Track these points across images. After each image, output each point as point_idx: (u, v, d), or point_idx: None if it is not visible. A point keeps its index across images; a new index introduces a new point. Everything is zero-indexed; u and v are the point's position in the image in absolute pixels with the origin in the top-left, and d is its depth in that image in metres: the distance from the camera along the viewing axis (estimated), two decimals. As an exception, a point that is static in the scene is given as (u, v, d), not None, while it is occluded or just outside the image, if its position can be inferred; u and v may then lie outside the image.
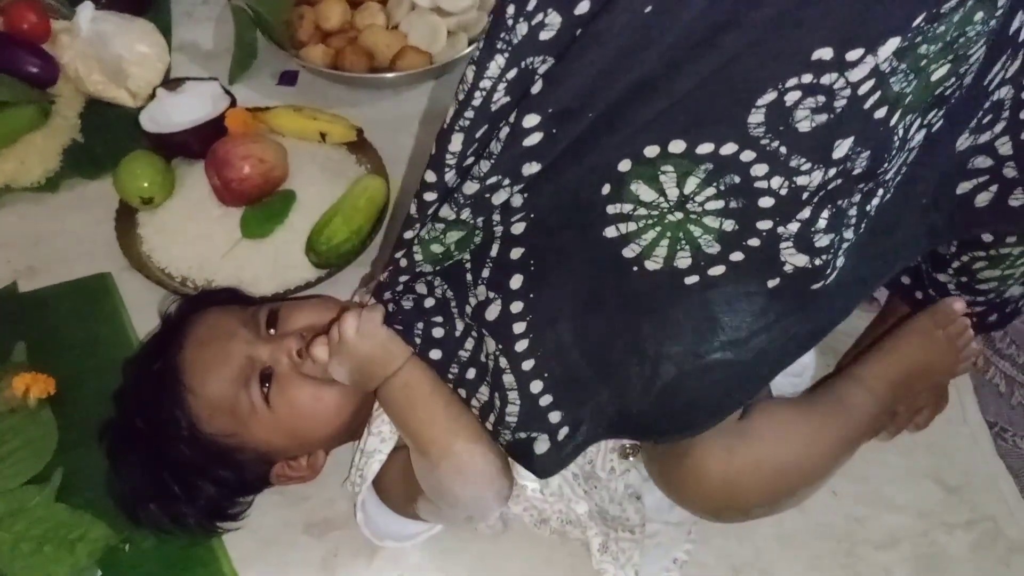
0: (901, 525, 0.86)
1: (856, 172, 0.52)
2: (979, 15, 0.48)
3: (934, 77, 0.50)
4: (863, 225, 0.57)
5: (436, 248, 0.62)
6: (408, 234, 0.62)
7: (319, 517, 0.87)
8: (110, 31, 1.23)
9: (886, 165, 0.53)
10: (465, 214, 0.57)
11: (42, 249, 1.11)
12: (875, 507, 0.87)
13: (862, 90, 0.48)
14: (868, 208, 0.56)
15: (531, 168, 0.54)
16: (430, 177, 0.57)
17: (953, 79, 0.51)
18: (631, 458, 0.81)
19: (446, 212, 0.58)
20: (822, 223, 0.54)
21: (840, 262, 0.58)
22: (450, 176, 0.56)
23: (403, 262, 0.64)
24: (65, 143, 1.19)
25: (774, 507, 0.76)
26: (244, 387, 0.76)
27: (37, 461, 0.90)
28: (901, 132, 0.52)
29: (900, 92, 0.49)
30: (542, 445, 0.67)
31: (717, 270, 0.57)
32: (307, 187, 1.09)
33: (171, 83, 1.20)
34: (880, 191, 0.56)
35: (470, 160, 0.55)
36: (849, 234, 0.56)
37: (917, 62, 0.48)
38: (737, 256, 0.57)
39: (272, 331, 0.79)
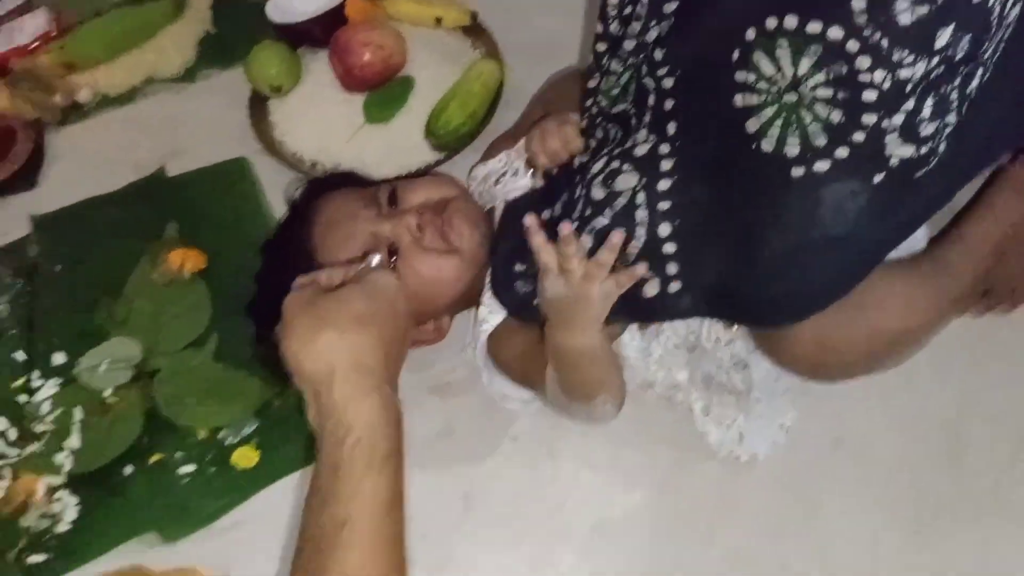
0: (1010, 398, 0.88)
1: (958, 57, 0.53)
2: None
3: None
4: (964, 107, 0.58)
5: (613, 93, 0.72)
6: (591, 83, 0.74)
7: (442, 381, 0.96)
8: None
9: (986, 45, 0.54)
10: (630, 60, 0.67)
11: (183, 135, 1.21)
12: (983, 388, 0.89)
13: None
14: (968, 91, 0.57)
15: (670, 6, 0.61)
16: (598, 28, 0.68)
17: None
18: (735, 327, 0.85)
19: (615, 64, 0.68)
20: (926, 111, 0.56)
21: (943, 147, 0.60)
22: (614, 26, 0.67)
23: (592, 108, 0.75)
24: (199, 35, 1.28)
25: (870, 368, 0.79)
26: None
27: (195, 327, 1.01)
28: (998, 8, 0.53)
29: None
30: (651, 289, 0.73)
31: (823, 165, 0.60)
32: (424, 72, 1.14)
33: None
34: (980, 71, 0.57)
35: (628, 9, 0.64)
36: (951, 118, 0.58)
37: None
38: (842, 152, 0.59)
39: (391, 207, 0.86)
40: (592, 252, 0.70)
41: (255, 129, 1.16)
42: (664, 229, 0.71)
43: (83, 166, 1.21)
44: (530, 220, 0.70)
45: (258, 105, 1.18)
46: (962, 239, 0.81)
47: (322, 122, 1.14)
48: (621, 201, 0.73)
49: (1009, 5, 0.54)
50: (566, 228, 0.67)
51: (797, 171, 0.61)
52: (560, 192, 0.80)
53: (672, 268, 0.72)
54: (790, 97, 0.59)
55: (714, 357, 0.88)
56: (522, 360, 0.83)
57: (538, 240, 0.70)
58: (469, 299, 0.89)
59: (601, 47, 0.68)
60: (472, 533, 0.87)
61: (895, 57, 0.53)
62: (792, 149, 0.60)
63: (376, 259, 0.76)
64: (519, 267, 0.80)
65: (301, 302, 0.68)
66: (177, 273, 1.05)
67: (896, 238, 0.68)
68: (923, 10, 0.51)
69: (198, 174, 1.16)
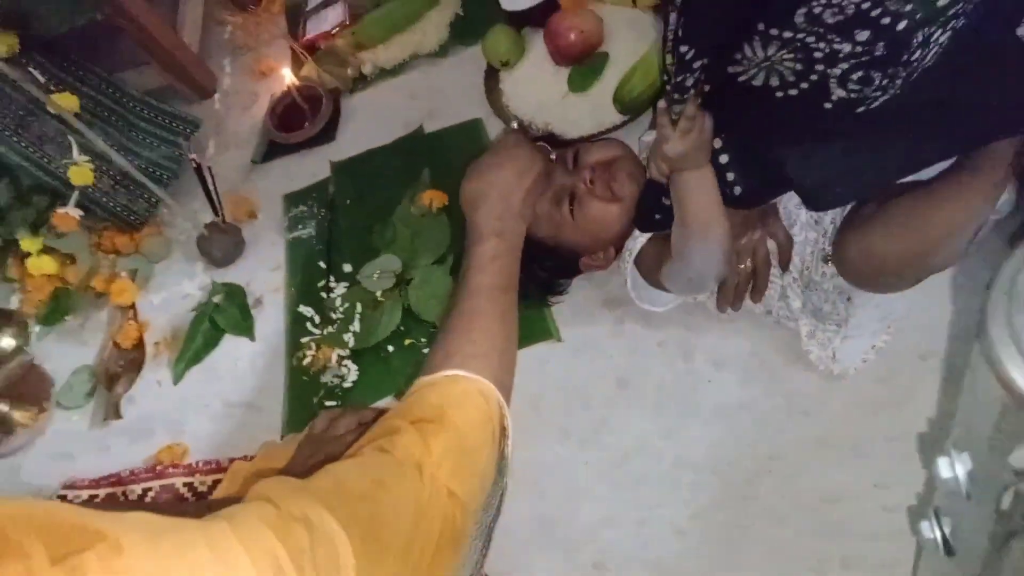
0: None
1: (878, 55, 0.74)
2: None
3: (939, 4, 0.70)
4: (902, 80, 0.79)
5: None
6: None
7: (613, 296, 1.24)
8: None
9: (907, 57, 0.74)
10: None
11: (437, 99, 1.56)
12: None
13: (864, 7, 0.71)
14: (898, 75, 0.77)
15: None
16: None
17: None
18: (829, 263, 1.06)
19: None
20: (854, 76, 0.78)
21: (881, 99, 0.81)
22: None
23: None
24: (451, 18, 1.61)
25: (915, 274, 0.96)
26: (557, 206, 1.13)
27: (438, 248, 1.37)
28: (919, 39, 0.72)
29: (902, 11, 0.70)
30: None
31: (793, 91, 0.83)
32: (618, 47, 1.40)
33: (522, -35, 1.54)
34: (904, 73, 0.77)
35: None
36: (878, 79, 0.78)
37: None
38: (804, 85, 0.81)
39: (574, 166, 1.15)
40: None
41: (488, 95, 1.48)
42: (717, 143, 0.95)
43: (367, 124, 1.60)
44: (660, 104, 0.94)
45: (491, 75, 1.50)
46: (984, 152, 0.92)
47: (538, 90, 1.44)
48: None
49: (934, 37, 0.74)
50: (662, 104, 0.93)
51: (779, 93, 0.84)
52: None
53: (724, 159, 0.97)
54: (765, 64, 0.82)
55: (822, 290, 1.10)
56: (658, 257, 1.08)
57: (662, 110, 0.94)
58: (625, 236, 1.16)
59: None
60: (623, 407, 1.16)
61: (828, 37, 0.75)
62: (774, 82, 0.83)
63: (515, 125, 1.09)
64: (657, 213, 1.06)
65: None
66: (428, 208, 1.41)
67: (895, 169, 0.89)
68: (840, 17, 0.72)
69: (445, 131, 1.51)
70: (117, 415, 1.41)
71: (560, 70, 1.43)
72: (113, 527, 0.52)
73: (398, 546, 0.70)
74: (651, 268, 1.11)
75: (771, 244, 1.07)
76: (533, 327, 1.24)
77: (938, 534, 0.60)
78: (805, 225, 1.07)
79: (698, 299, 1.16)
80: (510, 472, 0.89)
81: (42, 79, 1.47)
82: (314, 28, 1.69)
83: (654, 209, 1.06)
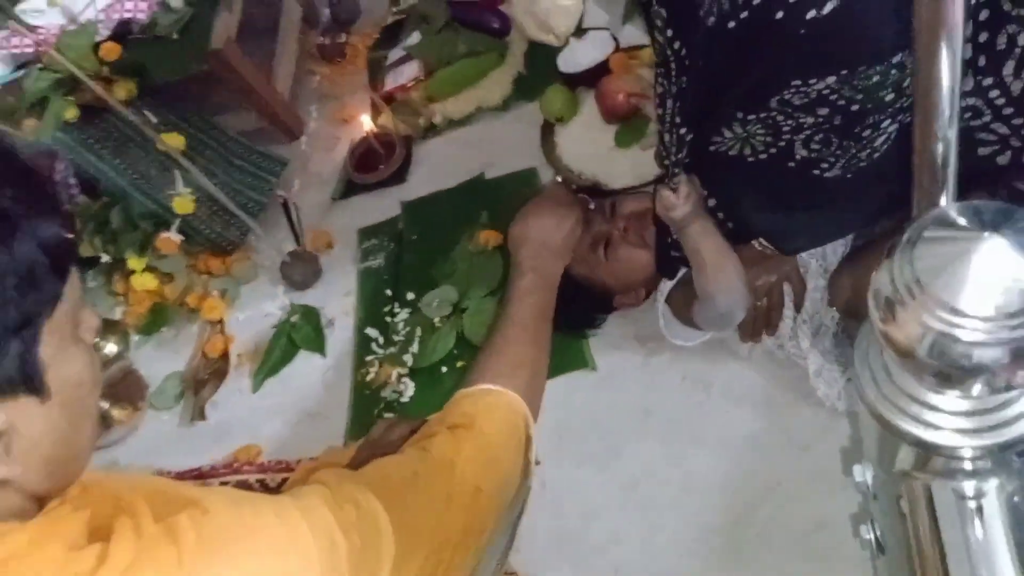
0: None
1: (836, 123, 0.88)
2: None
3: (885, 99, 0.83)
4: (855, 152, 0.92)
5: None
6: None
7: (644, 331, 1.37)
8: (543, -11, 1.78)
9: (859, 131, 0.88)
10: None
11: (499, 149, 1.73)
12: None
13: (824, 92, 0.84)
14: (851, 147, 0.91)
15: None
16: None
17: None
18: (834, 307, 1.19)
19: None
20: (816, 138, 0.91)
21: (837, 164, 0.94)
22: None
23: None
24: (514, 75, 1.79)
25: None
26: (593, 249, 1.28)
27: (491, 282, 1.51)
28: (870, 121, 0.86)
29: (855, 98, 0.83)
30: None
31: (763, 155, 0.96)
32: (662, 109, 1.55)
33: (579, 32, 1.71)
34: (856, 146, 0.91)
35: None
36: (839, 152, 0.92)
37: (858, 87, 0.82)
38: (773, 151, 0.95)
39: (611, 215, 1.30)
40: None
41: (543, 147, 1.65)
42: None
43: (434, 168, 1.78)
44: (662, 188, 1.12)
45: (547, 129, 1.67)
46: None
47: (588, 144, 1.60)
48: None
49: (884, 125, 0.88)
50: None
51: (751, 158, 0.99)
52: None
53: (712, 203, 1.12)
54: (743, 137, 0.96)
55: (830, 333, 1.22)
56: (685, 298, 1.21)
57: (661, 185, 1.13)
58: (656, 280, 1.31)
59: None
60: (640, 434, 1.28)
61: (794, 114, 0.89)
62: (747, 152, 0.98)
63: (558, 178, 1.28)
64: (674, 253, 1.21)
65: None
66: (484, 246, 1.57)
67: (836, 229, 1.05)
68: (804, 100, 0.87)
69: (504, 178, 1.68)
70: (202, 417, 1.59)
71: (608, 127, 1.58)
72: (202, 496, 0.67)
73: (429, 528, 0.84)
74: (680, 307, 1.25)
75: (786, 287, 1.20)
76: (571, 356, 1.39)
77: (872, 535, 0.72)
78: (815, 273, 1.20)
79: (723, 336, 1.30)
80: (533, 477, 1.03)
81: (154, 120, 1.68)
82: (392, 81, 1.88)
83: (669, 255, 1.21)
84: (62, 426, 0.60)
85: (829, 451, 1.17)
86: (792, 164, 0.97)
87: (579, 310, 1.37)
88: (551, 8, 1.73)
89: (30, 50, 1.70)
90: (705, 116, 0.96)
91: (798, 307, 1.21)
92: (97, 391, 0.66)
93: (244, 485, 1.46)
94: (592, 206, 1.34)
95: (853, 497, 1.11)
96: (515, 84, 1.79)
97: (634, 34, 1.70)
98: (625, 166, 1.54)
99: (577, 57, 1.65)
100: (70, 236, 0.60)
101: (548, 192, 1.33)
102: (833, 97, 0.85)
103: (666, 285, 1.28)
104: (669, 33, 0.91)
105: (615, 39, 1.64)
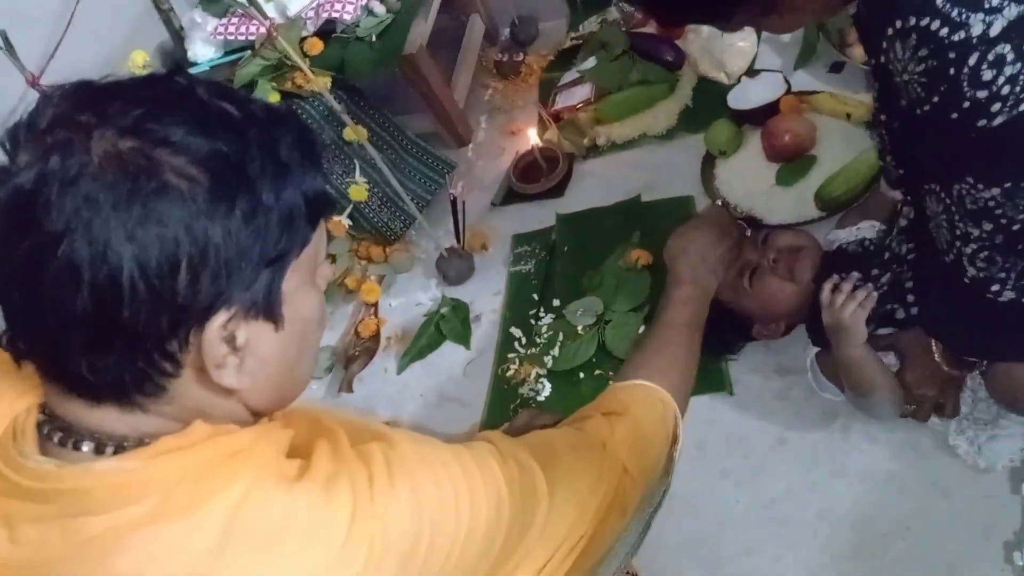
0: None
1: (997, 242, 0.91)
2: None
3: None
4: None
5: None
6: None
7: (785, 365, 1.40)
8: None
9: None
10: None
11: (657, 175, 1.79)
12: None
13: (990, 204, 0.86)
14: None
15: None
16: None
17: None
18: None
19: None
20: (980, 260, 0.94)
21: (1009, 290, 0.94)
22: None
23: None
24: (681, 108, 1.85)
25: None
26: (740, 276, 1.33)
27: (637, 298, 1.57)
28: None
29: (1014, 218, 0.85)
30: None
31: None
32: (827, 153, 1.58)
33: (752, 72, 1.77)
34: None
35: None
36: (1008, 269, 0.93)
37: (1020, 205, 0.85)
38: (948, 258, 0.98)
39: (763, 245, 1.34)
40: None
41: (703, 177, 1.70)
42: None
43: (593, 186, 1.86)
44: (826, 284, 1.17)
45: (708, 162, 1.72)
46: None
47: (748, 179, 1.64)
48: None
49: None
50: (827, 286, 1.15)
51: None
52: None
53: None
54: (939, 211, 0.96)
55: (977, 395, 1.22)
56: (833, 367, 1.26)
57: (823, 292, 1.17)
58: (797, 318, 1.33)
59: None
60: (779, 460, 1.31)
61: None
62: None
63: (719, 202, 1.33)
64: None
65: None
66: (634, 264, 1.63)
67: None
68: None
69: (660, 202, 1.73)
70: (350, 389, 1.70)
71: (771, 165, 1.63)
72: (388, 432, 0.75)
73: (579, 496, 0.90)
74: (829, 365, 1.27)
75: None
76: (710, 377, 1.42)
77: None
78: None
79: None
80: (674, 473, 1.08)
81: (342, 112, 1.82)
82: (562, 101, 1.98)
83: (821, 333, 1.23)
84: (289, 354, 0.69)
85: (969, 500, 1.17)
86: (966, 280, 0.97)
87: (719, 334, 1.41)
88: (727, 48, 1.81)
89: (243, 38, 1.87)
90: (914, 172, 0.98)
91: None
92: (321, 331, 0.74)
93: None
94: (748, 233, 1.38)
95: (992, 552, 1.12)
96: (681, 116, 1.85)
97: (804, 79, 1.75)
98: (784, 204, 1.57)
99: (748, 95, 1.70)
100: (326, 195, 0.68)
101: (709, 213, 1.40)
102: (998, 212, 0.86)
103: (812, 350, 1.30)
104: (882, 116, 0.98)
105: (787, 82, 1.68)
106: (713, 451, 1.36)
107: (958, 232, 0.93)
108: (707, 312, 1.28)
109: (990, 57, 0.75)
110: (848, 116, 1.61)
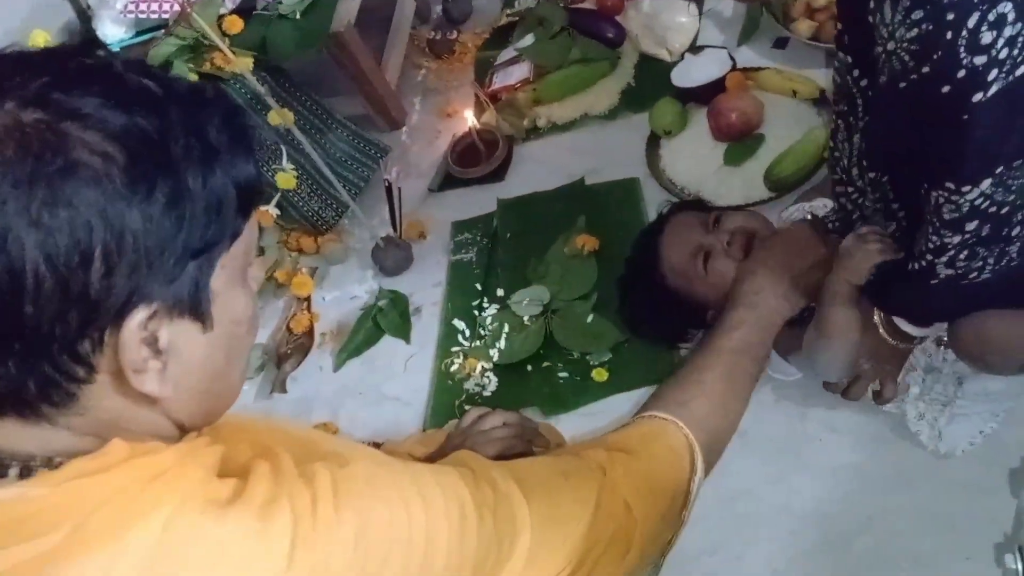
0: None
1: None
2: None
3: None
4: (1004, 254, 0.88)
5: None
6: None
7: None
8: (661, 5, 1.78)
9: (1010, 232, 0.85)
10: None
11: (600, 157, 1.73)
12: None
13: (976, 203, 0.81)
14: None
15: None
16: None
17: None
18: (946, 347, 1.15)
19: None
20: (959, 261, 0.90)
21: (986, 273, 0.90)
22: None
23: None
24: (623, 86, 1.79)
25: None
26: (693, 260, 1.27)
27: (584, 287, 1.51)
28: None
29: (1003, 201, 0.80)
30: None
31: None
32: (775, 131, 1.54)
33: (696, 49, 1.71)
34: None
35: None
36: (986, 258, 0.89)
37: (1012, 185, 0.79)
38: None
39: (715, 227, 1.28)
40: None
41: (648, 159, 1.64)
42: None
43: (534, 170, 1.78)
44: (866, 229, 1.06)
45: (653, 142, 1.66)
46: None
47: (694, 160, 1.59)
48: None
49: None
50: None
51: None
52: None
53: None
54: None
55: (940, 374, 1.19)
56: (789, 340, 1.19)
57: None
58: None
59: None
60: (738, 453, 1.22)
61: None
62: None
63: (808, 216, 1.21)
64: None
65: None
66: (579, 250, 1.56)
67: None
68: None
69: (604, 185, 1.67)
70: (283, 390, 1.61)
71: (717, 145, 1.57)
72: (344, 449, 0.68)
73: (572, 527, 0.81)
74: (780, 344, 1.22)
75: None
76: (664, 366, 1.36)
77: (1020, 566, 0.69)
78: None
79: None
80: (691, 509, 1.00)
81: (266, 95, 1.71)
82: (500, 80, 1.90)
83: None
84: (216, 359, 0.62)
85: (934, 490, 1.13)
86: (935, 282, 0.93)
87: (671, 321, 1.36)
88: (669, 24, 1.75)
89: (155, 16, 1.75)
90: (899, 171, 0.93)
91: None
92: (253, 336, 0.67)
93: (320, 460, 1.47)
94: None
95: (958, 542, 1.08)
96: (623, 95, 1.79)
97: (750, 56, 1.70)
98: (732, 185, 1.52)
99: (692, 73, 1.64)
100: (259, 182, 0.61)
101: (793, 230, 1.21)
102: (984, 205, 0.81)
103: None
104: (856, 73, 0.91)
105: (732, 58, 1.63)
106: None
107: (931, 245, 0.89)
108: (767, 341, 1.14)
109: (991, 17, 0.69)
110: (795, 93, 1.57)
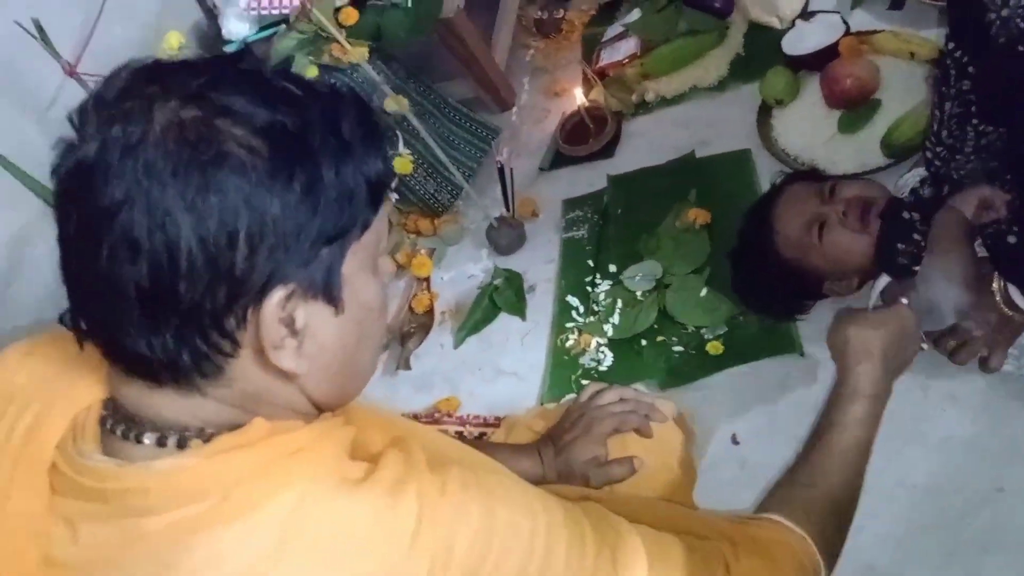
0: None
1: None
2: None
3: None
4: None
5: None
6: None
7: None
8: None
9: None
10: None
11: (711, 129, 1.72)
12: None
13: None
14: None
15: None
16: None
17: None
18: None
19: None
20: None
21: None
22: None
23: None
24: (732, 57, 1.77)
25: None
26: (808, 231, 1.26)
27: (696, 260, 1.52)
28: None
29: None
30: None
31: None
32: (891, 96, 1.50)
33: (807, 15, 1.67)
34: None
35: None
36: None
37: None
38: None
39: (831, 197, 1.27)
40: None
41: (759, 129, 1.62)
42: None
43: (643, 145, 1.80)
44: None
45: (764, 112, 1.64)
46: None
47: (808, 128, 1.57)
48: None
49: None
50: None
51: None
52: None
53: None
54: None
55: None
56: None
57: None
58: (871, 270, 1.26)
59: None
60: None
61: None
62: None
63: (904, 301, 1.12)
64: (900, 246, 1.17)
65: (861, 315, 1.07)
66: (691, 224, 1.57)
67: None
68: None
69: (715, 158, 1.67)
70: (407, 367, 1.68)
71: (831, 112, 1.55)
72: (476, 459, 0.71)
73: None
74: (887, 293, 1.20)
75: None
76: (780, 339, 1.37)
77: None
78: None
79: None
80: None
81: (382, 83, 1.78)
82: (607, 57, 1.91)
83: (895, 256, 1.16)
84: (348, 341, 0.67)
85: (1059, 462, 1.10)
86: None
87: (788, 294, 1.35)
88: (779, -11, 1.71)
89: (276, 12, 1.83)
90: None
91: None
92: (383, 322, 0.72)
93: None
94: (925, 347, 1.18)
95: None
96: (732, 65, 1.77)
97: (864, 19, 1.65)
98: (847, 153, 1.50)
99: (804, 40, 1.61)
100: (388, 176, 0.66)
101: (896, 311, 1.10)
102: None
103: (882, 281, 1.23)
104: (951, 45, 0.92)
105: (845, 23, 1.59)
106: (785, 418, 1.30)
107: None
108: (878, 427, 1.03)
109: None
110: (912, 55, 1.52)
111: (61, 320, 0.64)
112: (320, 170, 0.59)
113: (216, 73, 0.60)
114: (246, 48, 1.74)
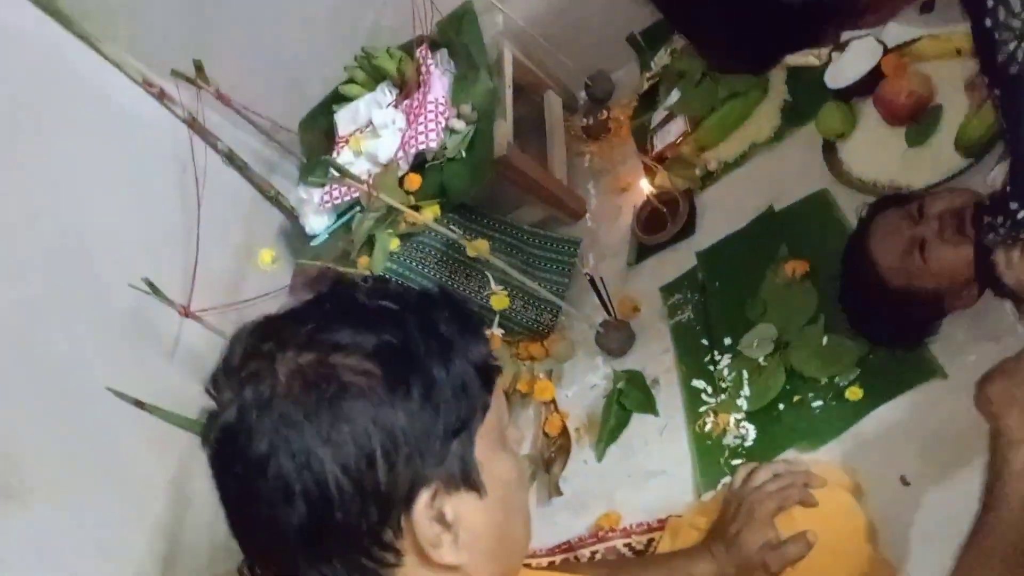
0: None
1: None
2: None
3: None
4: None
5: None
6: None
7: (993, 327, 1.27)
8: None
9: None
10: None
11: (782, 180, 1.71)
12: None
13: None
14: None
15: None
16: None
17: None
18: None
19: None
20: None
21: None
22: None
23: None
24: (781, 105, 1.78)
25: None
26: (909, 256, 1.23)
27: (808, 311, 1.49)
28: None
29: None
30: None
31: None
32: (950, 98, 1.48)
33: (840, 46, 1.68)
34: None
35: None
36: None
37: None
38: None
39: (921, 215, 1.24)
40: None
41: (829, 166, 1.62)
42: None
43: (720, 214, 1.80)
44: None
45: (828, 148, 1.64)
46: None
47: (877, 152, 1.55)
48: None
49: None
50: None
51: None
52: None
53: None
54: None
55: None
56: None
57: None
58: None
59: None
60: None
61: None
62: None
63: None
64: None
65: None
66: (791, 277, 1.56)
67: None
68: None
69: (794, 206, 1.66)
70: (558, 492, 1.69)
71: (895, 130, 1.53)
72: None
73: None
74: None
75: None
76: (918, 367, 1.32)
77: None
78: None
79: None
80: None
81: (458, 232, 1.86)
82: (660, 142, 1.95)
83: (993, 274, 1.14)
84: (498, 519, 0.70)
85: None
86: None
87: (909, 322, 1.32)
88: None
89: (347, 198, 1.95)
90: None
91: None
92: (525, 492, 0.76)
93: (612, 552, 1.53)
94: None
95: None
96: (783, 113, 1.79)
97: (899, 31, 1.65)
98: (924, 164, 1.47)
99: (845, 71, 1.62)
100: (494, 358, 0.71)
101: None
102: None
103: None
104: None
105: (881, 43, 1.59)
106: (947, 442, 1.24)
107: None
108: None
109: None
110: (959, 52, 1.51)
111: (240, 572, 0.70)
112: (432, 373, 0.64)
113: (319, 315, 0.66)
114: (338, 279, 1.85)
